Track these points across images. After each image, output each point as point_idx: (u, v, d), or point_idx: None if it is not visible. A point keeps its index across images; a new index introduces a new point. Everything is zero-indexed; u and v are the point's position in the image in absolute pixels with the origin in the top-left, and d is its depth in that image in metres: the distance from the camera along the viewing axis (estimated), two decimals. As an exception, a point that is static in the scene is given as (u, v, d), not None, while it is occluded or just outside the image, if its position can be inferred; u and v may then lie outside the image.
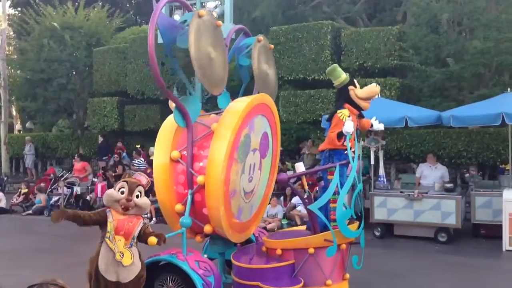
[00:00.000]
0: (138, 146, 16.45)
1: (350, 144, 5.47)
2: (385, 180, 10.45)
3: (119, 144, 16.01)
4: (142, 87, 16.69)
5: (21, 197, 15.22)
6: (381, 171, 10.61)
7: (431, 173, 10.92)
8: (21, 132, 25.99)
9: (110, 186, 13.62)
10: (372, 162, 10.62)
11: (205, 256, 5.79)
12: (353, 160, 5.45)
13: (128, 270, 4.61)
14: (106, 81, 17.64)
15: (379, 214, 9.93)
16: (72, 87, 18.19)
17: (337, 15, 18.76)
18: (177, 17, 14.21)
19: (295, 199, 11.29)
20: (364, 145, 10.59)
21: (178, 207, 5.45)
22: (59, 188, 14.78)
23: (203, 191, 5.26)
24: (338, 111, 5.64)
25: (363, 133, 6.02)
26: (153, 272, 5.18)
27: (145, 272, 4.78)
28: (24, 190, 15.46)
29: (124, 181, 4.69)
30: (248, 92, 6.52)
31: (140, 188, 4.77)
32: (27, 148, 19.26)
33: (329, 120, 5.85)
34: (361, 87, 5.99)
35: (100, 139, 16.83)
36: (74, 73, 18.69)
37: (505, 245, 8.86)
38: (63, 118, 20.61)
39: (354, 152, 5.50)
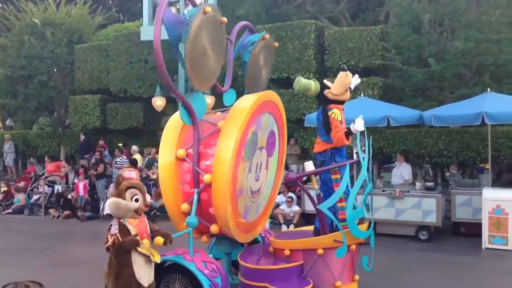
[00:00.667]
0: (121, 144, 16.32)
1: (361, 144, 5.43)
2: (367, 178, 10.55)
3: (101, 142, 15.86)
4: (125, 85, 16.55)
5: (1, 196, 15.00)
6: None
7: (396, 171, 11.27)
8: (1, 129, 25.55)
9: (91, 185, 13.50)
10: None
11: (210, 256, 5.69)
12: (363, 159, 5.38)
13: (153, 269, 4.59)
14: (88, 79, 17.45)
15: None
16: (53, 85, 17.94)
17: (321, 14, 18.85)
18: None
19: (279, 198, 11.31)
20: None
21: (184, 206, 5.35)
22: (39, 186, 14.59)
23: (209, 190, 5.16)
24: (330, 112, 5.61)
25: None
26: (159, 272, 5.06)
27: None
28: (4, 189, 15.24)
29: (131, 187, 4.49)
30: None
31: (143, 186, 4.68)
32: (7, 146, 18.94)
33: (325, 124, 5.72)
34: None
35: (82, 137, 16.63)
36: (55, 70, 18.42)
37: (485, 243, 9.00)
38: (44, 116, 20.31)
39: (364, 151, 5.44)
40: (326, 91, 5.69)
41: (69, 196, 13.94)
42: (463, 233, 9.93)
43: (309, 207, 11.10)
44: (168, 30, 4.95)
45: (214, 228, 5.33)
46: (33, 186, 15.17)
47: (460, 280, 7.21)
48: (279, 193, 11.72)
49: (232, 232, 5.27)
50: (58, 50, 18.02)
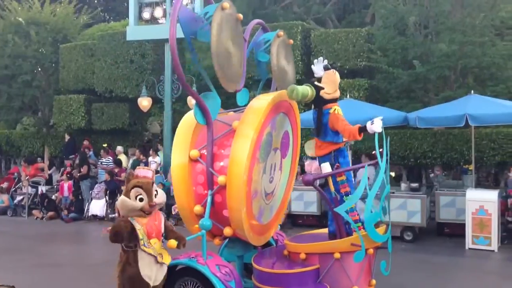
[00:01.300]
0: (105, 145, 16.20)
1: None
2: (353, 180, 10.59)
3: (86, 142, 15.73)
4: (110, 85, 16.43)
5: (-17, 197, 14.77)
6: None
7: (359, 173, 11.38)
8: (-16, 129, 25.19)
9: (76, 185, 13.37)
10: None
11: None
12: (381, 161, 5.24)
13: (163, 271, 4.55)
14: (73, 78, 17.28)
15: (348, 214, 10.04)
16: (37, 84, 17.74)
17: (307, 16, 18.92)
18: (146, 14, 14.09)
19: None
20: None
21: (197, 208, 5.20)
22: (23, 187, 14.41)
23: (224, 192, 5.04)
24: (331, 110, 5.50)
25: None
26: (172, 275, 4.99)
27: None
28: (-13, 190, 15.01)
29: (137, 186, 4.47)
30: (266, 88, 6.33)
31: (154, 185, 4.63)
32: (-10, 147, 18.71)
33: (317, 128, 5.61)
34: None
35: (67, 137, 16.47)
36: (39, 69, 18.21)
37: (468, 244, 9.11)
38: (28, 116, 20.09)
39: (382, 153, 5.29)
40: (321, 92, 5.59)
41: (53, 197, 13.81)
42: (447, 233, 10.03)
43: (296, 208, 11.13)
44: (183, 27, 4.82)
45: (227, 231, 5.20)
46: (16, 186, 14.99)
47: (444, 281, 7.29)
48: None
49: (246, 234, 5.14)
50: (42, 49, 17.82)
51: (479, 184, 11.43)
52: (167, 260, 4.54)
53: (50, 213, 13.02)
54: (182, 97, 14.68)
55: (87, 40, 18.48)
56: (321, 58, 5.84)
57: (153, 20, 14.26)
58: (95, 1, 28.75)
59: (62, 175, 14.67)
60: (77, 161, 14.28)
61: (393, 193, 9.88)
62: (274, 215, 5.98)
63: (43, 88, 18.03)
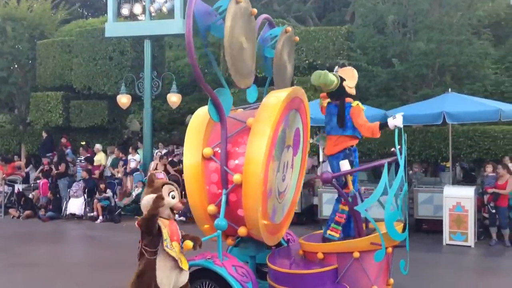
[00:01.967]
0: (84, 143, 16.01)
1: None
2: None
3: (63, 140, 15.52)
4: (89, 82, 16.22)
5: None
6: (329, 168, 10.81)
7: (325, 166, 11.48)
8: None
9: (54, 184, 13.17)
10: (321, 159, 10.78)
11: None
12: (401, 157, 5.15)
13: (184, 275, 4.36)
14: (50, 75, 17.02)
15: (328, 211, 10.09)
16: (13, 81, 17.43)
17: (288, 13, 18.96)
18: (125, 11, 13.95)
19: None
20: (313, 143, 10.77)
21: (211, 208, 5.06)
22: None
23: (239, 191, 4.90)
24: (353, 103, 5.37)
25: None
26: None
27: None
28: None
29: (169, 183, 4.32)
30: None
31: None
32: (-35, 144, 18.32)
33: (340, 119, 5.44)
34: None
35: (44, 135, 16.22)
36: (16, 66, 17.92)
37: (445, 240, 9.25)
38: (4, 113, 19.72)
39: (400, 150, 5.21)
40: (344, 83, 5.41)
41: (30, 196, 13.58)
42: (425, 229, 10.17)
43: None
44: (198, 21, 4.65)
45: (242, 231, 5.05)
46: (-8, 185, 14.68)
47: (422, 276, 7.37)
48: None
49: (261, 234, 5.01)
50: (19, 45, 17.52)
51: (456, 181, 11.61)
52: (186, 266, 4.36)
53: (27, 212, 12.81)
54: (162, 95, 14.58)
55: (65, 36, 18.21)
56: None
57: (132, 16, 14.12)
58: (73, -3, 28.33)
59: (40, 173, 14.43)
60: (55, 159, 14.08)
61: (373, 189, 9.95)
62: (286, 214, 5.87)
63: (19, 85, 17.73)
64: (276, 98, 5.21)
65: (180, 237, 4.38)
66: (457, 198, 9.14)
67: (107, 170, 14.28)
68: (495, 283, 7.07)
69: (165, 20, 14.57)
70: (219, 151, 5.07)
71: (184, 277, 4.37)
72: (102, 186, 12.40)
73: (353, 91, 5.50)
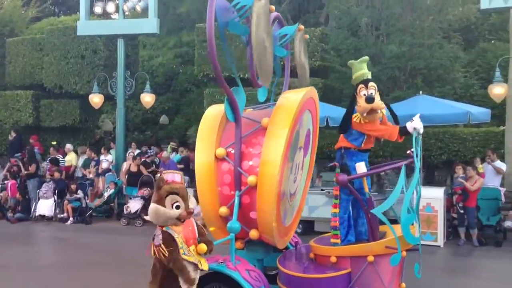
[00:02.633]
0: (54, 142, 15.71)
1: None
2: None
3: (32, 140, 15.20)
4: (60, 80, 15.94)
5: None
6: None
7: None
8: None
9: (23, 185, 12.87)
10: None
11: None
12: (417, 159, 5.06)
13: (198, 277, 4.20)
14: (20, 74, 16.67)
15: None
16: (-18, 79, 17.03)
17: (262, 14, 18.96)
18: (98, 9, 13.77)
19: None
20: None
21: (223, 210, 4.92)
22: (-34, 187, 13.75)
23: (253, 193, 4.76)
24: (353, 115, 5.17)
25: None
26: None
27: None
28: None
29: (172, 192, 4.09)
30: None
31: (187, 190, 4.31)
32: None
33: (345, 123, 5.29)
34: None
35: (13, 134, 15.84)
36: (-16, 64, 17.49)
37: (416, 239, 9.38)
38: (-29, 112, 19.18)
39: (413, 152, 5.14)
40: (360, 85, 5.29)
41: (-3, 197, 13.24)
42: (397, 229, 10.28)
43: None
44: (218, 17, 4.52)
45: (253, 234, 4.92)
46: (-42, 186, 14.27)
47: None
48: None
49: (274, 237, 4.88)
50: (-12, 43, 17.12)
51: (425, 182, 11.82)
52: (206, 267, 4.23)
53: (-5, 214, 12.49)
54: (135, 94, 14.44)
55: (36, 34, 17.87)
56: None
57: (105, 15, 13.95)
58: (45, -6, 27.80)
59: (8, 172, 14.09)
60: (25, 159, 13.76)
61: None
62: (295, 216, 5.79)
63: (-12, 83, 17.32)
64: (293, 98, 5.09)
65: (197, 237, 4.26)
66: (427, 199, 9.28)
67: (78, 171, 14.05)
68: (464, 282, 7.21)
69: (138, 19, 14.44)
70: (233, 151, 4.94)
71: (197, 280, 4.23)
72: (73, 186, 12.19)
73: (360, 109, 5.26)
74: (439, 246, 9.19)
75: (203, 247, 4.20)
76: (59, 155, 14.05)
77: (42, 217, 12.16)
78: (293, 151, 5.09)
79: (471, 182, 9.50)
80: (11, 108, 16.29)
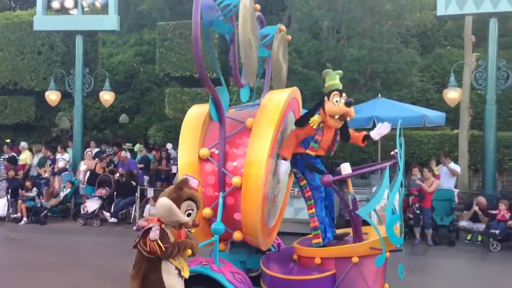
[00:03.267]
0: (8, 140, 15.20)
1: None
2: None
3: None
4: (15, 77, 15.43)
5: None
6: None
7: None
8: None
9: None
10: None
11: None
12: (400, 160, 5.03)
13: (182, 284, 4.06)
14: (-28, 69, 16.03)
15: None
16: None
17: (225, 15, 18.94)
18: (55, 4, 13.40)
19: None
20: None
21: (206, 211, 4.81)
22: None
23: (237, 194, 4.69)
24: (311, 119, 5.08)
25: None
26: None
27: None
28: None
29: (192, 199, 3.96)
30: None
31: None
32: None
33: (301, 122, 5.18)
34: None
35: (-36, 132, 15.26)
36: None
37: (374, 239, 9.56)
38: None
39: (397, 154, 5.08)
40: (328, 98, 5.18)
41: None
42: (355, 230, 10.45)
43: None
44: (203, 15, 4.40)
45: (237, 235, 4.85)
46: None
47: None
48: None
49: (258, 239, 4.82)
50: None
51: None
52: (186, 274, 4.10)
53: None
54: (94, 92, 14.13)
55: (-11, 28, 17.21)
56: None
57: (63, 10, 13.59)
58: (0, -13, 26.86)
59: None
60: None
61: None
62: (277, 217, 5.74)
63: None
64: (278, 99, 5.04)
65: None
66: (384, 199, 9.46)
67: (33, 170, 13.64)
68: (418, 280, 7.39)
69: (98, 15, 14.14)
70: (216, 152, 4.86)
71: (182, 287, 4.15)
72: (28, 184, 11.82)
73: (329, 119, 5.10)
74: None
75: (188, 251, 4.08)
76: (13, 153, 13.59)
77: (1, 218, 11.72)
78: (277, 152, 5.05)
79: (427, 183, 9.75)
80: (-38, 104, 15.64)
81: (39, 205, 11.60)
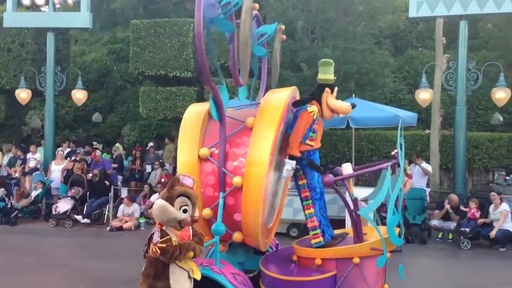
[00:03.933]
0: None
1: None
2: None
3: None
4: (-16, 74, 15.05)
5: None
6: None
7: None
8: None
9: None
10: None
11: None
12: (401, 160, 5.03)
13: (191, 286, 3.99)
14: None
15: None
16: None
17: (200, 14, 18.90)
18: (26, 0, 13.14)
19: (155, 197, 11.07)
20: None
21: (206, 212, 4.75)
22: None
23: (238, 194, 4.63)
24: (309, 108, 5.10)
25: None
26: None
27: None
28: None
29: (185, 195, 3.92)
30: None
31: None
32: None
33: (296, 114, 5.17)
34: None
35: None
36: None
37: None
38: None
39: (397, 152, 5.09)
40: (327, 89, 5.26)
41: None
42: (330, 229, 10.55)
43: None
44: (204, 13, 4.32)
45: (237, 236, 4.79)
46: None
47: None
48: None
49: (259, 240, 4.76)
50: None
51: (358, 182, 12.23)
52: (198, 276, 4.05)
53: None
54: (66, 91, 13.88)
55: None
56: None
57: (34, 6, 13.30)
58: (-33, -18, 26.11)
59: None
60: None
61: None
62: (275, 217, 5.71)
63: None
64: (279, 98, 5.01)
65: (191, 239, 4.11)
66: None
67: (3, 170, 13.33)
68: (390, 278, 7.51)
69: (70, 13, 13.92)
70: (216, 151, 4.79)
71: None
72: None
73: (326, 111, 5.26)
74: (369, 244, 9.51)
75: (190, 253, 4.03)
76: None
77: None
78: (277, 152, 5.04)
79: (399, 182, 9.91)
80: None
81: (9, 205, 11.35)
